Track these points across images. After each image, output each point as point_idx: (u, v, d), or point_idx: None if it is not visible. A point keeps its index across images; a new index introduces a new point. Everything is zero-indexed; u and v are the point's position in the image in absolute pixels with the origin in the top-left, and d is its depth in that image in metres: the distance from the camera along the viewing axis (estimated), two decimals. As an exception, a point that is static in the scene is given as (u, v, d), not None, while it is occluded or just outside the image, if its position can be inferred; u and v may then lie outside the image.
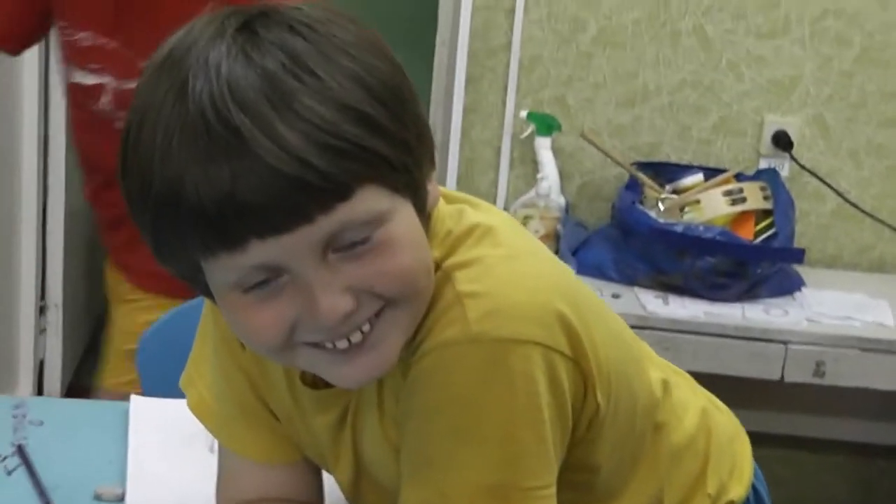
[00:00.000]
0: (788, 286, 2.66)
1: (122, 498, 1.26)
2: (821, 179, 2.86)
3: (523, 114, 2.84)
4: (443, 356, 0.91)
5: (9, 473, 1.31)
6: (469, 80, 2.84)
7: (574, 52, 2.86)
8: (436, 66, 3.00)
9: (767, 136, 2.87)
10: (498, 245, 0.97)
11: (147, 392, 1.53)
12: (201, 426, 1.16)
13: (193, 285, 0.94)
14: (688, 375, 1.21)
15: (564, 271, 1.02)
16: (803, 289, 2.67)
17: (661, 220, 2.60)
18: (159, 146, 0.85)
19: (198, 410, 1.14)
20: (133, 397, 1.46)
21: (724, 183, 2.69)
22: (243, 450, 1.13)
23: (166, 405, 1.43)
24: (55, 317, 3.10)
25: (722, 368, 2.50)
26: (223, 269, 0.88)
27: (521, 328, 0.91)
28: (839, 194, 2.86)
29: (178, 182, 0.84)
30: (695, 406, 1.15)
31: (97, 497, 1.27)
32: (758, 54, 2.85)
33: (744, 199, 2.64)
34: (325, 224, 0.85)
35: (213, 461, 1.17)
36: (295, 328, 0.90)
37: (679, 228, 2.55)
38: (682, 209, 2.65)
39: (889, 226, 2.87)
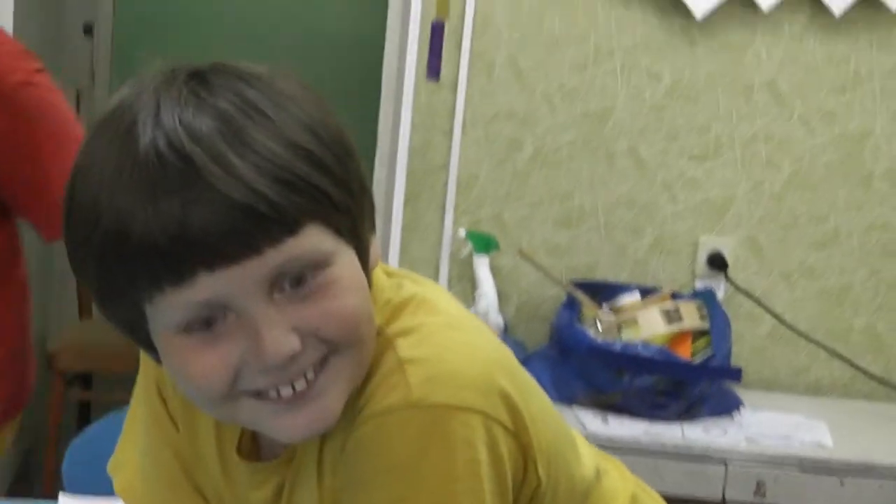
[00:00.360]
0: (727, 406, 2.66)
1: None
2: (756, 301, 2.88)
3: (462, 232, 2.84)
4: (382, 423, 0.91)
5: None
6: (407, 199, 2.85)
7: (511, 171, 2.88)
8: (375, 184, 3.00)
9: (702, 256, 2.90)
10: (438, 314, 0.98)
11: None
12: None
13: (134, 335, 0.92)
14: (617, 461, 1.20)
15: (502, 346, 1.02)
16: (742, 409, 2.67)
17: (600, 340, 2.59)
18: (106, 185, 0.85)
19: (125, 494, 1.12)
20: (61, 495, 1.43)
21: (661, 301, 2.70)
22: None
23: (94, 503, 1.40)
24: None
25: (663, 487, 2.43)
26: (169, 308, 0.87)
27: (463, 395, 0.91)
28: (774, 316, 2.88)
29: (128, 215, 0.84)
30: (624, 492, 1.15)
31: None
32: (691, 176, 2.89)
33: (680, 319, 2.65)
34: (273, 257, 0.85)
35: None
36: (239, 374, 0.89)
37: (617, 347, 2.55)
38: (619, 328, 2.65)
39: (825, 347, 2.89)
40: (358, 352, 0.91)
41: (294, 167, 0.85)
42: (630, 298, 2.75)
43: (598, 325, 2.67)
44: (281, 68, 0.94)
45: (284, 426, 0.92)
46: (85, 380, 3.71)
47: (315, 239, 0.87)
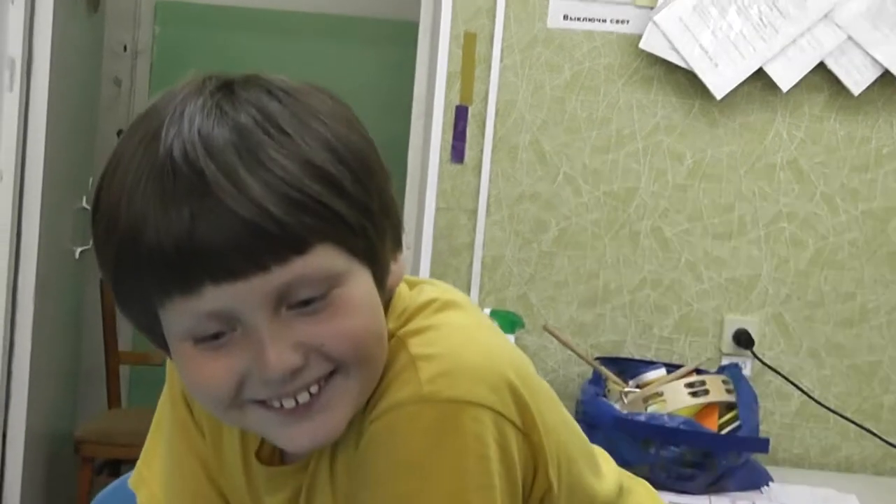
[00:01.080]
0: (756, 480, 2.63)
1: None
2: (784, 377, 2.87)
3: (486, 311, 2.86)
4: (394, 418, 0.91)
5: None
6: (433, 279, 2.87)
7: (536, 252, 2.91)
8: (400, 266, 3.03)
9: (728, 334, 2.90)
10: (453, 315, 0.99)
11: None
12: None
13: (151, 337, 0.94)
14: (647, 484, 1.19)
15: (517, 350, 1.02)
16: (771, 483, 2.64)
17: (625, 412, 2.58)
18: (127, 188, 0.87)
19: (139, 488, 1.12)
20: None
21: (686, 376, 2.69)
22: None
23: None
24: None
25: (690, 559, 2.44)
26: (178, 315, 0.88)
27: (474, 390, 0.91)
28: (804, 392, 2.86)
29: (142, 221, 0.86)
30: None
31: None
32: (715, 255, 2.91)
33: (706, 392, 2.64)
34: (280, 275, 0.86)
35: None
36: (244, 383, 0.90)
37: (642, 418, 2.53)
38: (645, 402, 2.64)
39: (856, 424, 2.86)
40: (365, 371, 0.92)
41: (305, 187, 0.86)
42: (655, 374, 2.74)
43: (623, 399, 2.66)
44: (315, 84, 0.95)
45: (288, 436, 0.94)
46: (113, 467, 3.72)
47: (325, 259, 0.87)
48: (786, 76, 2.81)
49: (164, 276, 0.86)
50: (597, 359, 2.80)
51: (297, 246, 0.86)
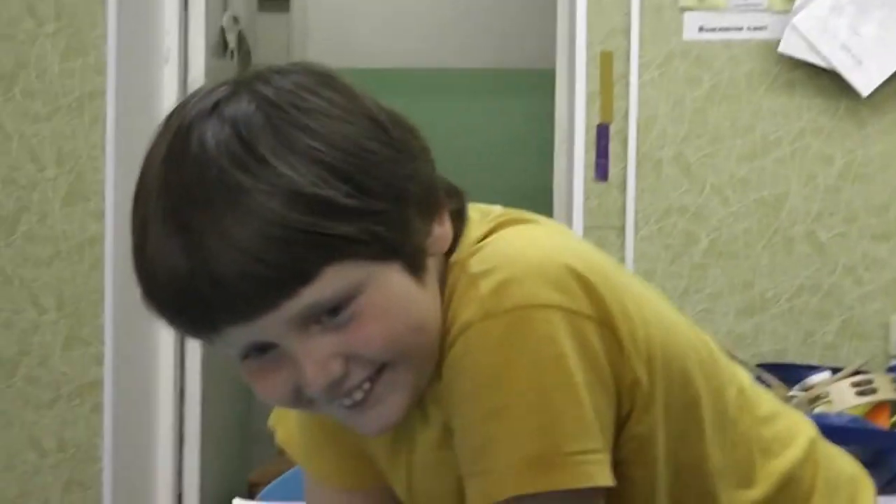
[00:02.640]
0: (933, 480, 2.53)
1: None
2: (957, 376, 2.76)
3: (641, 325, 2.84)
4: (465, 340, 0.90)
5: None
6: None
7: (688, 265, 2.89)
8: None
9: (895, 336, 2.81)
10: (513, 229, 0.96)
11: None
12: None
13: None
14: (801, 414, 1.15)
15: (589, 246, 0.99)
16: (950, 483, 2.53)
17: (790, 414, 2.52)
18: (136, 237, 0.88)
19: (286, 444, 1.15)
20: (236, 500, 1.46)
21: (852, 376, 2.62)
22: (329, 477, 1.12)
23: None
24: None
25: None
26: (217, 347, 0.90)
27: (536, 292, 0.88)
28: (978, 391, 2.75)
29: (151, 274, 0.87)
30: (805, 435, 1.10)
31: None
32: (874, 256, 2.83)
33: (874, 390, 2.56)
34: (292, 307, 0.85)
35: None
36: (299, 389, 0.90)
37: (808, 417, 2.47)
38: (810, 404, 2.58)
39: None
40: (413, 360, 0.91)
41: (293, 222, 0.83)
42: (821, 377, 2.67)
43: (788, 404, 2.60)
44: (313, 67, 0.91)
45: (356, 425, 0.95)
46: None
47: (336, 279, 0.85)
48: (933, 67, 2.75)
49: (179, 324, 0.88)
50: (758, 366, 2.74)
51: (300, 279, 0.84)
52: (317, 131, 0.86)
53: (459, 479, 0.94)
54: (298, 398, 0.91)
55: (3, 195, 3.02)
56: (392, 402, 0.91)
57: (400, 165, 0.89)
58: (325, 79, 0.91)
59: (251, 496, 3.46)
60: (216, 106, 0.87)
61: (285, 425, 1.15)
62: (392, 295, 0.88)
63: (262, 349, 0.88)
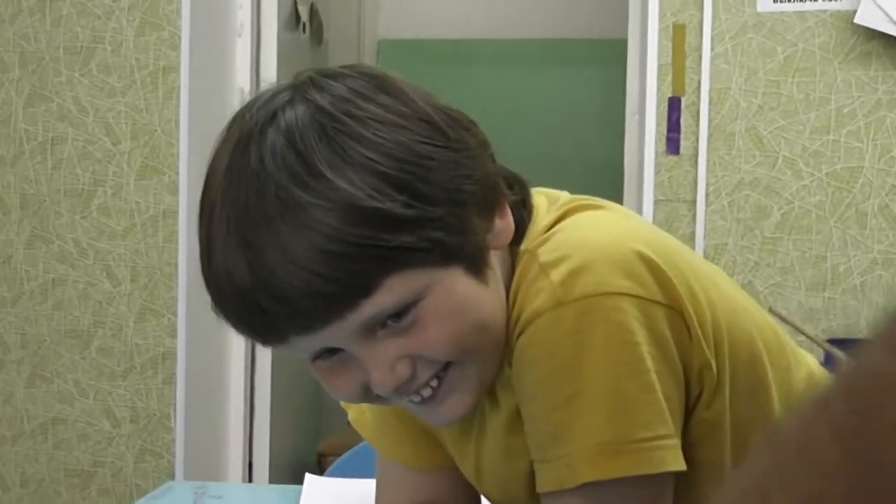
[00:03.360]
0: None
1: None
2: None
3: (711, 300, 2.82)
4: (536, 329, 0.90)
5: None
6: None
7: (759, 238, 2.86)
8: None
9: (971, 312, 2.77)
10: (582, 215, 0.96)
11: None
12: (370, 495, 1.18)
13: None
14: None
15: (656, 229, 0.99)
16: None
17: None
18: (203, 246, 0.89)
19: (357, 423, 1.16)
20: (307, 476, 1.48)
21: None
22: (398, 455, 1.13)
23: (338, 484, 1.44)
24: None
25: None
26: (286, 350, 0.91)
27: (606, 280, 0.88)
28: None
29: (218, 285, 0.88)
30: None
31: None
32: (951, 231, 2.79)
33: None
34: (355, 318, 0.86)
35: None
36: (368, 388, 0.91)
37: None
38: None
39: None
40: (479, 357, 0.92)
41: (351, 236, 0.83)
42: (893, 353, 2.64)
43: (859, 379, 2.57)
44: (367, 71, 0.91)
45: (427, 419, 0.97)
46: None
47: (397, 288, 0.85)
48: None
49: (246, 332, 0.89)
50: (828, 341, 2.71)
51: (361, 292, 0.84)
52: (372, 141, 0.86)
53: (529, 463, 0.96)
54: (368, 395, 0.92)
55: (79, 169, 3.07)
56: (460, 397, 0.92)
57: (457, 167, 0.89)
58: (379, 82, 0.90)
59: (320, 466, 3.51)
60: (274, 117, 0.87)
61: (357, 405, 1.16)
62: (454, 297, 0.88)
63: (330, 351, 0.90)
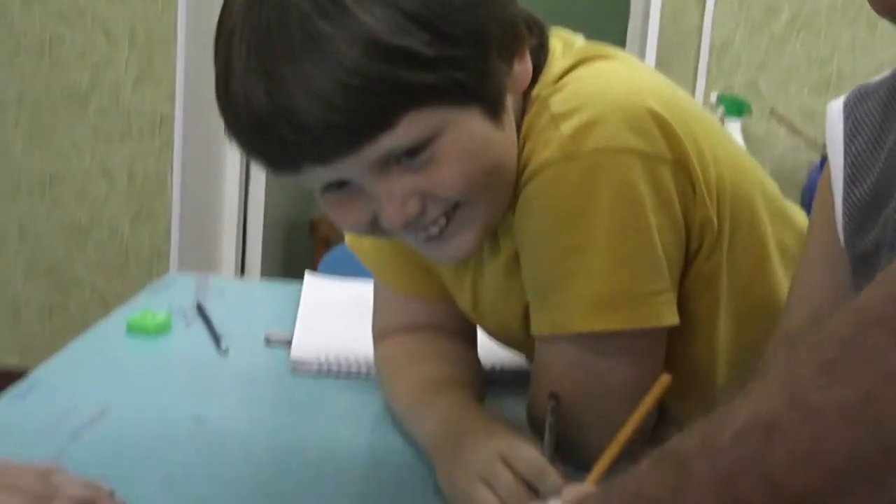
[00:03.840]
0: None
1: (289, 343, 1.29)
2: None
3: (713, 96, 2.81)
4: (543, 178, 0.91)
5: (187, 325, 1.36)
6: (659, 64, 2.84)
7: (767, 37, 2.83)
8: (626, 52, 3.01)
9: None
10: (595, 65, 0.95)
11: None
12: (367, 298, 1.20)
13: None
14: None
15: (665, 81, 0.98)
16: None
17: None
18: (219, 71, 0.87)
19: (355, 247, 1.17)
20: (308, 273, 1.51)
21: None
22: (396, 283, 1.15)
23: (337, 283, 1.47)
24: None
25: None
26: (297, 180, 0.90)
27: (616, 135, 0.89)
28: None
29: (234, 112, 0.87)
30: None
31: (267, 340, 1.31)
32: (961, 40, 2.76)
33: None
34: (372, 152, 0.85)
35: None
36: (376, 220, 0.91)
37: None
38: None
39: None
40: (489, 197, 0.92)
41: (372, 70, 0.82)
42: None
43: (853, 186, 2.59)
44: None
45: (429, 255, 0.97)
46: (346, 247, 3.87)
47: (416, 125, 0.85)
48: None
49: (262, 159, 0.88)
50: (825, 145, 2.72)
51: (380, 126, 0.84)
52: None
53: (526, 304, 0.98)
54: (374, 229, 0.93)
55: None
56: (465, 236, 0.93)
57: (482, 8, 0.87)
58: None
59: (312, 235, 3.56)
60: None
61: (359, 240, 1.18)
62: (470, 138, 0.88)
63: (340, 184, 0.90)
